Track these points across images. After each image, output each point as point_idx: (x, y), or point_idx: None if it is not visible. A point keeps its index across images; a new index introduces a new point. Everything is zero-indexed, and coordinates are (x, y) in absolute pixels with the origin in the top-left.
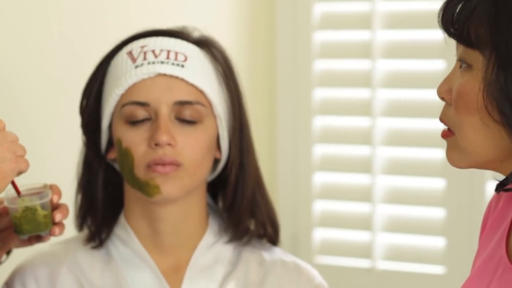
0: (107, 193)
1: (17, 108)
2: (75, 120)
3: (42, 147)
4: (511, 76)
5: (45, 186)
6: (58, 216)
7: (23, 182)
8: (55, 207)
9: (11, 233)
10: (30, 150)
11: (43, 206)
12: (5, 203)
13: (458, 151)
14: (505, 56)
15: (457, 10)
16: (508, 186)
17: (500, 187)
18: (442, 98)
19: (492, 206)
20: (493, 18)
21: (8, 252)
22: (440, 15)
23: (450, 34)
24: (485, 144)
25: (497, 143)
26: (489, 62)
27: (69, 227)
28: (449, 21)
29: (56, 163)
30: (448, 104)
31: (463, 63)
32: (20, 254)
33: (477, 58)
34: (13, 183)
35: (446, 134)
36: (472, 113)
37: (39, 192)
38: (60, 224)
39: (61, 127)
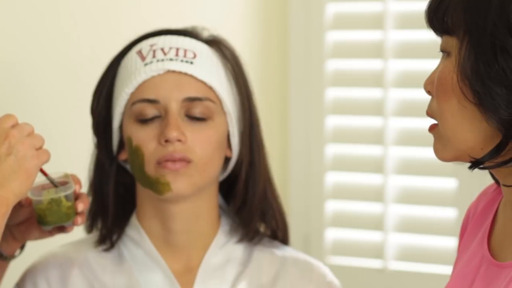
0: (118, 195)
1: (33, 106)
2: (90, 119)
3: (58, 146)
4: (480, 54)
5: (66, 176)
6: (80, 206)
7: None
8: (76, 197)
9: (30, 225)
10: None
11: (67, 198)
12: (29, 195)
13: (441, 142)
14: (475, 36)
15: (438, 4)
16: (484, 164)
17: (476, 165)
18: (428, 92)
19: (471, 213)
20: (465, 3)
21: (22, 247)
22: (426, 15)
23: (435, 28)
24: (463, 128)
25: (474, 126)
26: (462, 43)
27: (81, 229)
28: (432, 15)
29: (71, 162)
30: (432, 97)
31: (444, 54)
32: (31, 254)
33: (454, 44)
34: (44, 173)
35: (431, 128)
36: (449, 97)
37: (63, 182)
38: (82, 214)
39: (76, 126)
